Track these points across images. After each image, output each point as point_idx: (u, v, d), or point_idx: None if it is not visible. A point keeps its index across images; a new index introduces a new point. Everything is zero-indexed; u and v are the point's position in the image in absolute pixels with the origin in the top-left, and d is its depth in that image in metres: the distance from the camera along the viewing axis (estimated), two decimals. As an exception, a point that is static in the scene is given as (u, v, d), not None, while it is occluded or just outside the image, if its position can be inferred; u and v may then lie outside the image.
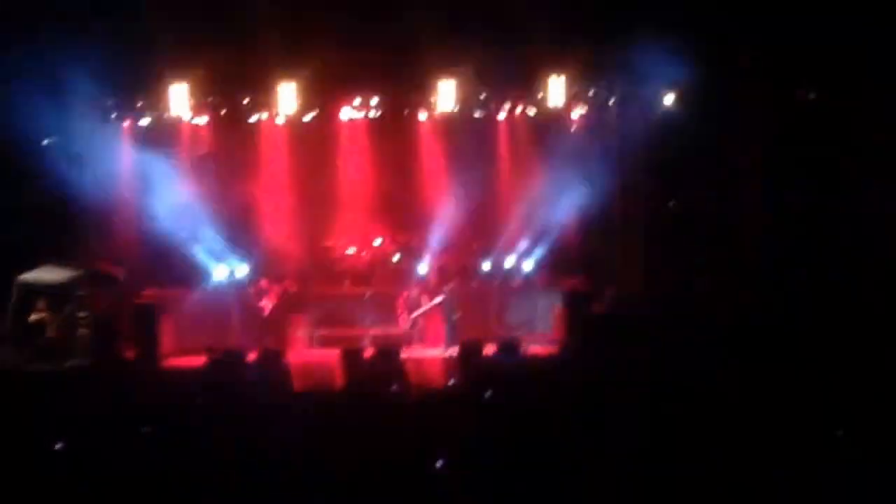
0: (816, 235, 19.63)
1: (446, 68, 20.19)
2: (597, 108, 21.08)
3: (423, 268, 20.97)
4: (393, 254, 21.43)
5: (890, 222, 18.98)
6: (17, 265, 18.84)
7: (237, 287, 20.51)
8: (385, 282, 20.94)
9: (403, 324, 19.82)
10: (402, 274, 21.07)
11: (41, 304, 18.49)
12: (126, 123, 20.71)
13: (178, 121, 20.74)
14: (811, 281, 18.77)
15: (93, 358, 17.87)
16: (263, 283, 20.38)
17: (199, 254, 20.48)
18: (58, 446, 10.80)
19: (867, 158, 19.31)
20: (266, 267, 20.93)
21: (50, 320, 18.47)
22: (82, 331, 18.59)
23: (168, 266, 20.41)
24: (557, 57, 20.08)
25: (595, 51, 19.85)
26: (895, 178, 18.83)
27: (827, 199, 19.74)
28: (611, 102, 20.95)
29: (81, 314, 18.67)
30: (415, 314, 19.68)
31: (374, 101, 20.95)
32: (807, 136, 19.84)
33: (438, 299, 19.70)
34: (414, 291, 19.97)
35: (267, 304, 19.89)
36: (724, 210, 20.75)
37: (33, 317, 18.41)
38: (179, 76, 19.92)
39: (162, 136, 20.79)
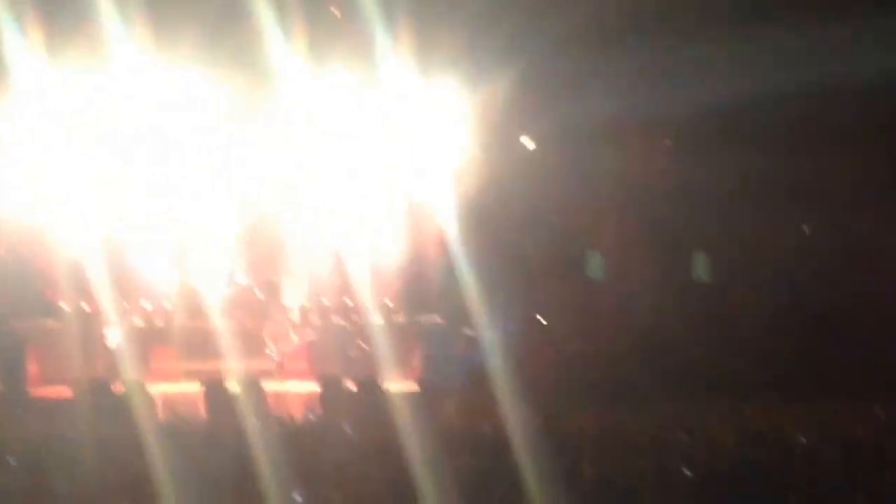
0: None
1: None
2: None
3: (287, 303, 21.46)
4: (255, 288, 21.70)
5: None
6: None
7: (102, 316, 20.53)
8: (247, 316, 21.13)
9: (270, 357, 20.29)
10: (265, 308, 21.35)
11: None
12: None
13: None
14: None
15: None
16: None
17: (63, 282, 20.53)
18: None
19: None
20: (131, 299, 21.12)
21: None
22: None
23: (34, 297, 20.61)
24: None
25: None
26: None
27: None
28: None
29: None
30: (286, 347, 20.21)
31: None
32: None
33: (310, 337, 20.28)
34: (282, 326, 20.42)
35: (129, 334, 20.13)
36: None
37: None
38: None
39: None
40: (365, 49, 19.84)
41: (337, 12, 20.09)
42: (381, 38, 19.50)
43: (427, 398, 16.59)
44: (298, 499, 10.81)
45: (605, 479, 11.02)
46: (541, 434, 12.39)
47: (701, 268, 21.80)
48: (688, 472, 10.94)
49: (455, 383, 18.05)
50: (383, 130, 21.27)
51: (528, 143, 21.25)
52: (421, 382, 18.25)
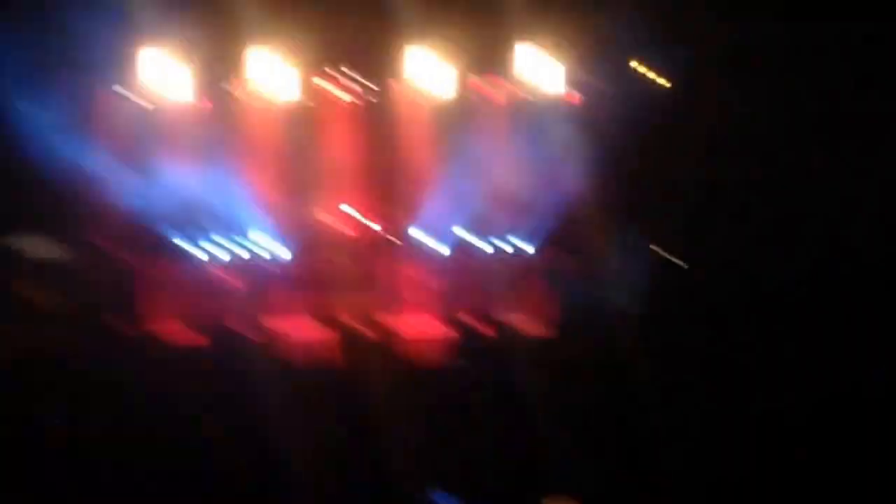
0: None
1: (425, 44, 20.25)
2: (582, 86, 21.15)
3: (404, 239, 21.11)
4: (370, 224, 21.41)
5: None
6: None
7: (220, 262, 20.58)
8: (362, 251, 21.01)
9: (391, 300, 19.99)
10: (378, 244, 21.12)
11: (21, 272, 18.51)
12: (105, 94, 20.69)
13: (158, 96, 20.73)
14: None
15: (76, 325, 17.85)
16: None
17: (187, 228, 20.58)
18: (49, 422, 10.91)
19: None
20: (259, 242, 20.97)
21: (30, 289, 18.50)
22: (62, 299, 18.62)
23: (152, 239, 20.45)
24: (538, 31, 20.06)
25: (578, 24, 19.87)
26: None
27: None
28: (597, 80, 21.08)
29: (62, 283, 18.68)
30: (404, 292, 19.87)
31: (351, 76, 20.96)
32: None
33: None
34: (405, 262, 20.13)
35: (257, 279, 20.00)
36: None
37: (14, 286, 18.45)
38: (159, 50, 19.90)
39: (143, 112, 20.73)
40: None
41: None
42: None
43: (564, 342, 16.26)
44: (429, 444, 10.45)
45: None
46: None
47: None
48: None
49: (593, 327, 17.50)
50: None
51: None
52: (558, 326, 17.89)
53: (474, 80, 21.18)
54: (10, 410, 11.43)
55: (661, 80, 20.74)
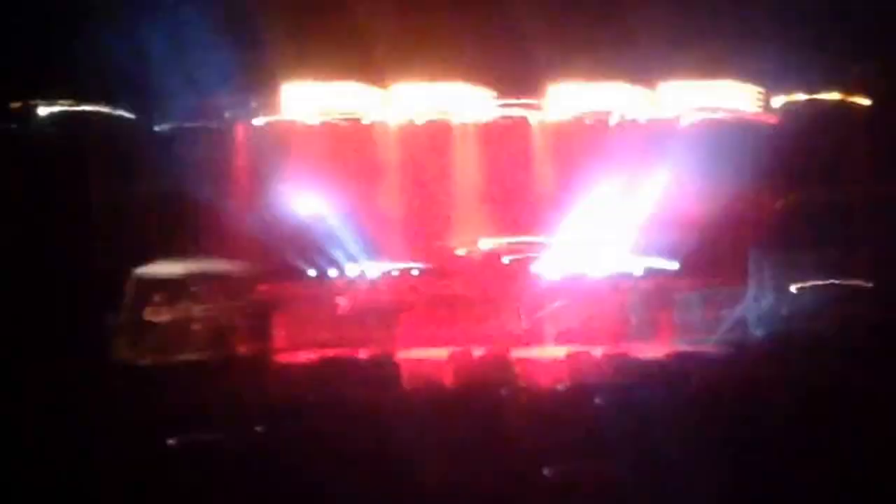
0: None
1: (560, 72, 20.10)
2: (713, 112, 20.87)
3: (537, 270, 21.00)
4: (504, 255, 21.28)
5: None
6: (133, 259, 19.14)
7: (350, 284, 20.73)
8: (496, 283, 20.90)
9: (521, 324, 19.85)
10: (513, 275, 21.02)
11: (157, 298, 18.73)
12: (241, 122, 21.00)
13: (293, 122, 20.93)
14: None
15: (207, 353, 18.05)
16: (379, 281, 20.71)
17: (312, 251, 20.77)
18: (171, 442, 10.90)
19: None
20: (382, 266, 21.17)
21: (165, 315, 18.70)
22: (196, 326, 18.80)
23: (281, 262, 20.70)
24: (671, 61, 19.81)
25: (710, 54, 19.53)
26: None
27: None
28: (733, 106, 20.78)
29: (196, 309, 18.87)
30: (535, 315, 19.60)
31: (490, 102, 20.93)
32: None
33: (558, 303, 19.65)
34: (532, 293, 19.83)
35: (376, 302, 19.98)
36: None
37: (148, 312, 18.67)
38: (294, 77, 20.09)
39: (276, 136, 20.97)
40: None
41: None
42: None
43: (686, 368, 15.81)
44: (545, 472, 10.13)
45: None
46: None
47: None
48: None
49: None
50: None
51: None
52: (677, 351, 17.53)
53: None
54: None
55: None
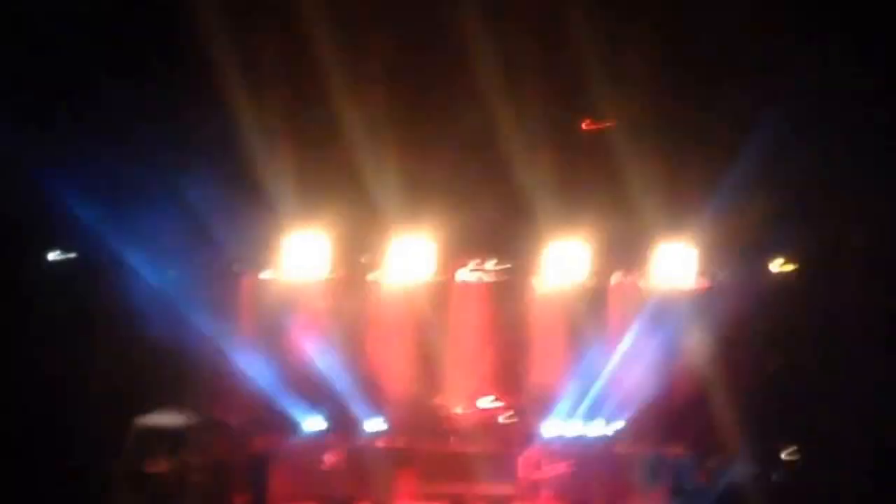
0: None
1: (561, 234, 20.66)
2: (708, 278, 21.45)
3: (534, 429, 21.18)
4: (500, 414, 21.51)
5: None
6: (131, 408, 19.18)
7: (346, 439, 20.76)
8: (492, 441, 21.03)
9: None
10: (509, 434, 21.18)
11: (158, 448, 18.72)
12: (246, 276, 21.35)
13: (297, 276, 21.29)
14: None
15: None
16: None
17: (311, 404, 20.92)
18: None
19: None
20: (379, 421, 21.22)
21: (165, 465, 18.68)
22: (196, 477, 18.76)
23: (277, 415, 20.77)
24: (670, 227, 20.35)
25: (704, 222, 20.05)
26: None
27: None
28: (722, 274, 21.33)
29: (196, 460, 18.85)
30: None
31: (490, 264, 21.43)
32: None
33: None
34: (535, 453, 19.94)
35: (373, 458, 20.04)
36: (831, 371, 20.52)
37: (149, 462, 18.65)
38: (300, 232, 20.49)
39: (281, 291, 21.34)
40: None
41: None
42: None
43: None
44: None
45: None
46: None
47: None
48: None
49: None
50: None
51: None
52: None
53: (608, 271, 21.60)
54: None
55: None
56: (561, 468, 19.93)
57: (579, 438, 21.00)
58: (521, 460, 20.23)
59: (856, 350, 19.97)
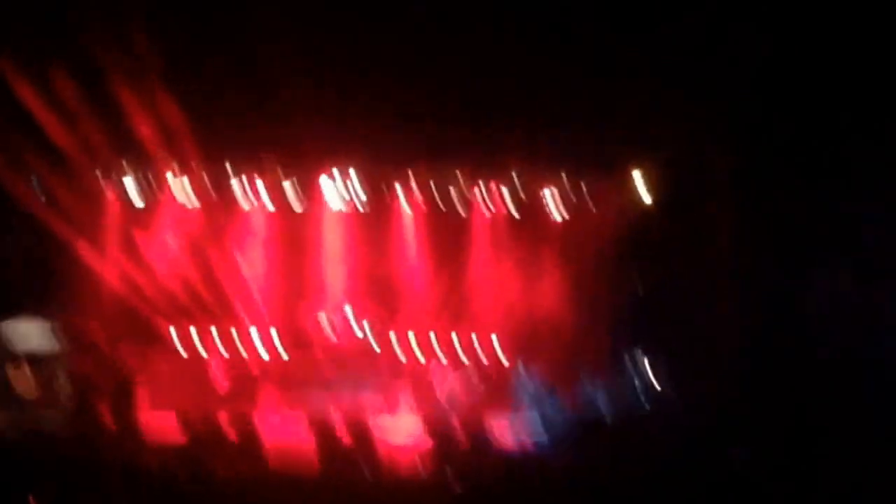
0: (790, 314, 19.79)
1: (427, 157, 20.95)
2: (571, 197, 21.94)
3: (394, 342, 21.70)
4: (363, 325, 21.86)
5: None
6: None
7: (213, 348, 21.07)
8: (356, 353, 21.46)
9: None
10: (372, 348, 21.65)
11: (21, 361, 18.66)
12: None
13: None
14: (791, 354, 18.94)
15: (71, 420, 18.09)
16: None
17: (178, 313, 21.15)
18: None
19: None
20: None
21: (30, 379, 18.63)
22: (61, 390, 18.74)
23: (143, 327, 20.99)
24: (528, 145, 20.50)
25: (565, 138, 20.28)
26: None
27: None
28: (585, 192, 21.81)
29: (60, 374, 18.83)
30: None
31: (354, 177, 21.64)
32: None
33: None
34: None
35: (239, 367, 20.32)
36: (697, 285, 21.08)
37: (12, 374, 18.60)
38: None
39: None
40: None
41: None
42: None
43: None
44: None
45: None
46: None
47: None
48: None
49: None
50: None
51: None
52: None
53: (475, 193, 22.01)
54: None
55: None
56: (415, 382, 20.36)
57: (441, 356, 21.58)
58: (379, 374, 20.78)
59: (720, 269, 20.59)
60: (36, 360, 18.83)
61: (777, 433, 15.08)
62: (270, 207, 21.89)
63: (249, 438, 16.18)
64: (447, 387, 19.92)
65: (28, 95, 18.15)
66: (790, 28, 17.93)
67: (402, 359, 21.58)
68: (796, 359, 18.42)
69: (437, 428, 17.10)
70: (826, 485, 12.55)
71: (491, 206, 22.29)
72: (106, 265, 20.99)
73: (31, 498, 11.59)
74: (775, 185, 19.40)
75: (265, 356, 21.39)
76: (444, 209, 22.07)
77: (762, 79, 18.67)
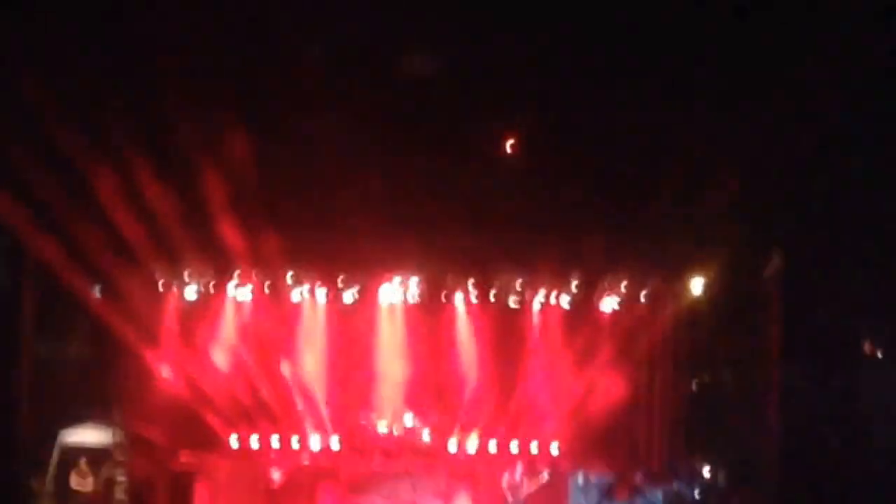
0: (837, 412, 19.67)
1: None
2: (628, 299, 21.87)
3: (452, 446, 21.59)
4: (423, 432, 21.77)
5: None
6: (60, 422, 19.13)
7: (269, 456, 20.97)
8: (415, 459, 21.25)
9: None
10: (431, 452, 21.49)
11: (81, 464, 18.68)
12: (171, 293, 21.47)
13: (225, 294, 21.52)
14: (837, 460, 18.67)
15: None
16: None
17: (236, 420, 21.15)
18: None
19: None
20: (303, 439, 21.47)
21: (88, 482, 18.63)
22: (120, 495, 18.71)
23: (201, 431, 20.97)
24: (588, 248, 20.42)
25: (623, 242, 20.31)
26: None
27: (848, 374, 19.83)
28: (642, 295, 21.79)
29: (119, 477, 18.82)
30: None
31: (413, 283, 21.68)
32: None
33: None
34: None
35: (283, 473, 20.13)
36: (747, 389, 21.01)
37: (74, 482, 18.60)
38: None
39: (205, 307, 21.52)
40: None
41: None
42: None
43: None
44: None
45: None
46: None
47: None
48: None
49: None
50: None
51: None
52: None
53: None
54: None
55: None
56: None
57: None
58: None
59: (773, 370, 20.36)
60: (95, 461, 18.77)
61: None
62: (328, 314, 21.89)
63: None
64: (506, 490, 19.54)
65: (103, 192, 18.39)
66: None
67: (462, 461, 21.40)
68: (848, 462, 18.30)
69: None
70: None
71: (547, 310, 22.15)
72: (165, 368, 21.00)
73: None
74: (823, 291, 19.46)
75: (324, 460, 21.24)
76: (501, 312, 21.96)
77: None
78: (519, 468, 19.68)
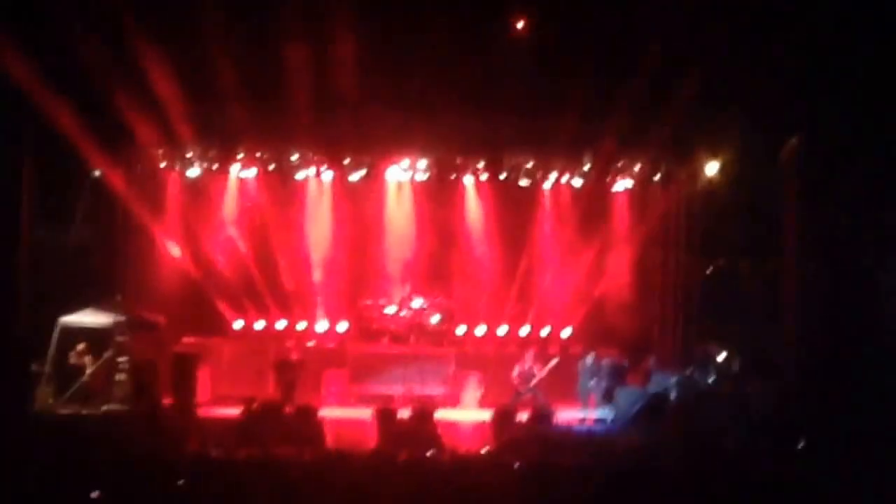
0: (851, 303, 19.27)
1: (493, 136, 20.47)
2: (641, 180, 21.43)
3: (461, 330, 21.39)
4: (431, 315, 21.47)
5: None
6: (60, 306, 18.98)
7: (273, 338, 20.80)
8: (423, 343, 21.03)
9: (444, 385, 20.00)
10: (439, 336, 21.25)
11: (81, 347, 18.54)
12: (174, 173, 21.13)
13: (226, 175, 21.18)
14: (851, 350, 18.40)
15: (130, 404, 17.92)
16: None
17: (239, 303, 21.08)
18: (94, 495, 10.89)
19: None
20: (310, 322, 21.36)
21: (89, 364, 18.51)
22: (120, 376, 18.57)
23: (206, 313, 20.97)
24: (602, 130, 20.01)
25: (638, 124, 19.78)
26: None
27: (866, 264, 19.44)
28: (656, 177, 21.28)
29: (121, 359, 18.66)
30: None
31: (422, 163, 21.23)
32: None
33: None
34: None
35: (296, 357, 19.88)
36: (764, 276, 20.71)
37: (73, 360, 18.48)
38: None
39: (208, 187, 21.20)
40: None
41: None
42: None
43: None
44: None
45: None
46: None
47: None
48: None
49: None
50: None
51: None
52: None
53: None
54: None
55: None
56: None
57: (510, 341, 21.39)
58: (446, 362, 20.24)
59: (789, 257, 20.02)
60: (96, 343, 18.59)
61: (841, 429, 14.57)
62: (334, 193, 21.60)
63: (311, 424, 15.84)
64: (516, 380, 19.28)
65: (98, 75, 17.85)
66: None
67: (471, 345, 21.21)
68: (861, 353, 18.06)
69: (503, 413, 16.67)
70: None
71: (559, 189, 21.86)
72: (171, 245, 20.91)
73: (91, 477, 11.30)
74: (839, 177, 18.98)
75: (330, 343, 21.08)
76: (511, 192, 21.67)
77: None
78: (529, 357, 19.36)
